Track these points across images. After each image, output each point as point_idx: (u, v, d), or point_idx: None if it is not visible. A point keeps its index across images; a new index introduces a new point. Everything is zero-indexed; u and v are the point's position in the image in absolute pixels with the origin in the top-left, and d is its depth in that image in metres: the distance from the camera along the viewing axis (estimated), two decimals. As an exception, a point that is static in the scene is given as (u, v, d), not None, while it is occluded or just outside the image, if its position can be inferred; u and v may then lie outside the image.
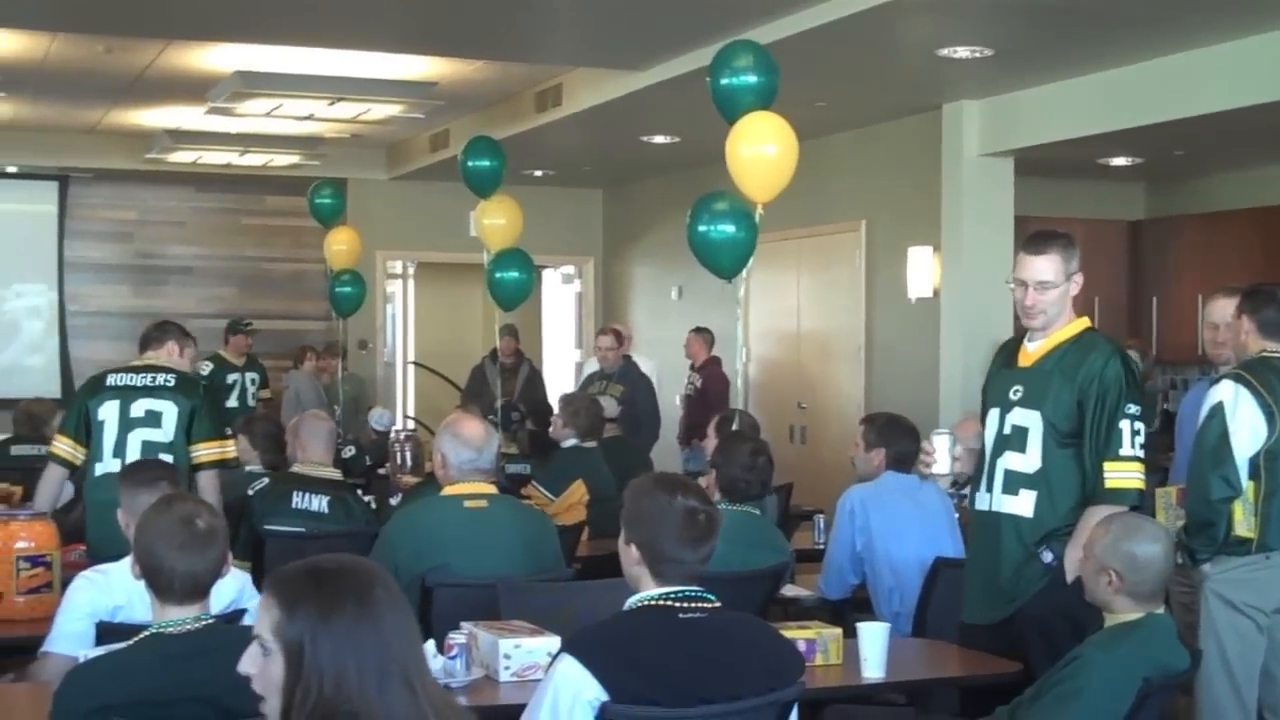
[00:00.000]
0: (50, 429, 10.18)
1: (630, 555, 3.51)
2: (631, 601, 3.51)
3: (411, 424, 13.43)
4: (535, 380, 13.20)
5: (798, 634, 4.46)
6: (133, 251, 15.23)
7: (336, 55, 9.92)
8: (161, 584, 3.38)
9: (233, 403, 11.96)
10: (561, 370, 16.53)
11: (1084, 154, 10.38)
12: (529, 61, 10.44)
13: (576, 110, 11.01)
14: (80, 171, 14.61)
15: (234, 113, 10.89)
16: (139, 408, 6.56)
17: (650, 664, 3.34)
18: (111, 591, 4.41)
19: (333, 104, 10.56)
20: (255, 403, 12.16)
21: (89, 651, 3.82)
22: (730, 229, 6.95)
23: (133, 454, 6.37)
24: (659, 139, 12.11)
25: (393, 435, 9.49)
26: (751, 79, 6.95)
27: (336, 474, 6.35)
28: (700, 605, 3.45)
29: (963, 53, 8.54)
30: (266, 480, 6.43)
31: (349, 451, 11.54)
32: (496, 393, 12.79)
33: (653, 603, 3.46)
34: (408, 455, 8.78)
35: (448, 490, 5.31)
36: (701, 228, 6.99)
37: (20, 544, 5.24)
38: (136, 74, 10.81)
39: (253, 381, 12.42)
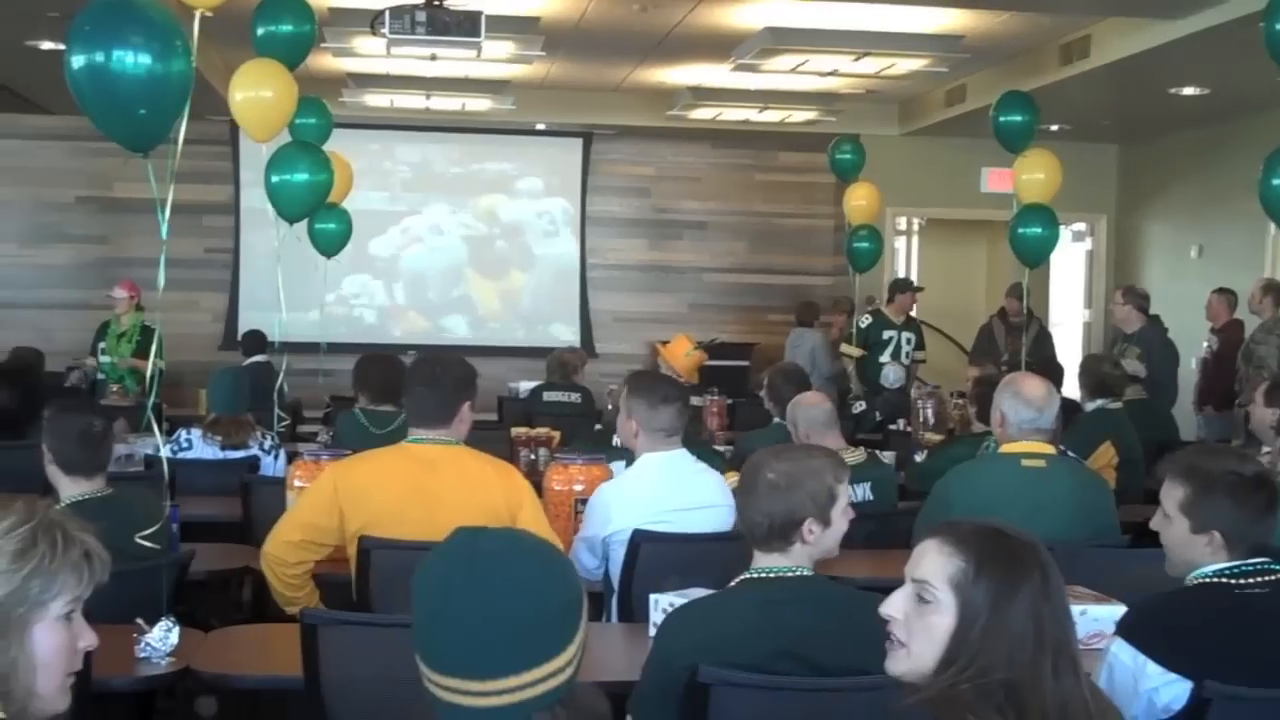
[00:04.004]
0: (580, 376, 10.65)
1: (1180, 531, 3.41)
2: (1192, 576, 3.40)
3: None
4: (1044, 339, 12.92)
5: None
6: (649, 206, 15.72)
7: (861, 9, 9.88)
8: (746, 529, 3.45)
9: (884, 358, 11.86)
10: (1070, 330, 16.13)
11: None
12: (1058, 12, 10.18)
13: (1104, 62, 10.67)
14: (603, 128, 15.16)
15: (759, 69, 11.00)
16: None
17: (1202, 643, 3.23)
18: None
19: (858, 59, 10.55)
20: (910, 362, 12.06)
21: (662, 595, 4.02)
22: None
23: None
24: (1188, 91, 11.62)
25: (915, 393, 9.45)
26: (1315, 19, 6.53)
27: None
28: (1262, 579, 3.31)
29: None
30: None
31: (859, 407, 11.60)
32: (1004, 351, 12.61)
33: (1210, 579, 3.35)
34: (930, 413, 8.76)
35: (1005, 448, 5.25)
36: (1276, 181, 6.60)
37: (578, 486, 5.44)
38: (665, 32, 11.07)
39: (908, 341, 12.03)
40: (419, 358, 4.96)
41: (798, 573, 3.37)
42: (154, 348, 4.68)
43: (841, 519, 3.45)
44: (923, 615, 2.39)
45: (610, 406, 9.80)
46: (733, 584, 3.42)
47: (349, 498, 4.61)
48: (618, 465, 5.66)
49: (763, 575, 3.37)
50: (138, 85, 4.40)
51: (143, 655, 3.89)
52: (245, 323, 13.64)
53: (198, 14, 5.03)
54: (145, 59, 4.43)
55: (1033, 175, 9.47)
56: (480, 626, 2.00)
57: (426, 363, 4.83)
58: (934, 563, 2.39)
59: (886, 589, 2.55)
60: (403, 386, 7.66)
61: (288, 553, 4.62)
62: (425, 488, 4.59)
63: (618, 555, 4.84)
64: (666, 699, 3.24)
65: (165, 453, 6.77)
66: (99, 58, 4.45)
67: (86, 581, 2.28)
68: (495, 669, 2.00)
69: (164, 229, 4.37)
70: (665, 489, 4.96)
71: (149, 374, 4.82)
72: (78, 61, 4.50)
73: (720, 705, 3.19)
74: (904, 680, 2.44)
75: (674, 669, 3.23)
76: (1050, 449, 5.22)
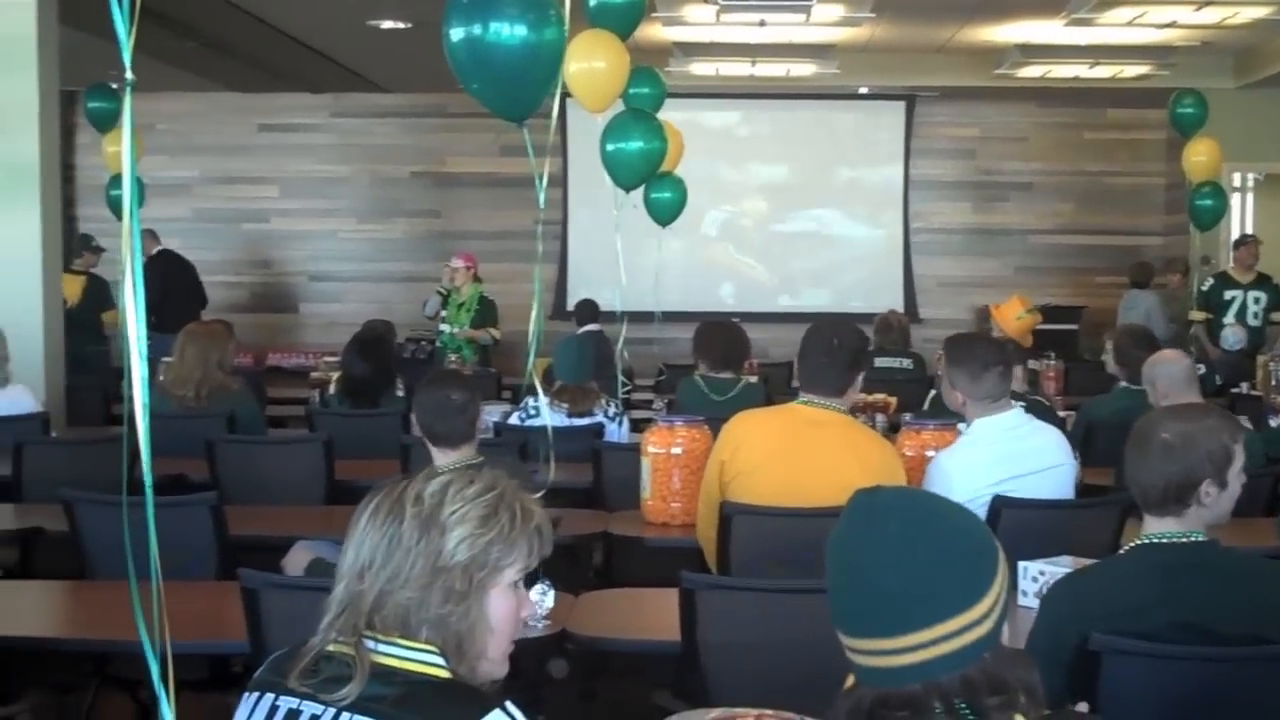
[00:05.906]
0: (911, 342, 10.57)
1: None
2: None
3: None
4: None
5: None
6: (973, 168, 15.49)
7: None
8: (1137, 494, 3.34)
9: (1229, 319, 11.67)
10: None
11: None
12: None
13: None
14: (926, 90, 14.97)
15: (1093, 23, 10.70)
16: None
17: None
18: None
19: (1199, 8, 10.17)
20: (1261, 323, 11.72)
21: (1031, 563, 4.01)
22: None
23: None
24: None
25: (1263, 355, 9.11)
26: None
27: None
28: None
29: None
30: None
31: (1198, 370, 11.24)
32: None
33: None
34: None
35: None
36: None
37: (930, 452, 5.40)
38: (995, -12, 10.90)
39: (1255, 300, 11.76)
40: (816, 325, 4.88)
41: (1193, 538, 3.25)
42: (534, 313, 4.76)
43: (1236, 481, 3.32)
44: None
45: (940, 373, 9.70)
46: (1124, 550, 3.33)
47: (730, 446, 4.75)
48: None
49: (1157, 541, 3.26)
50: (514, 55, 4.51)
51: (519, 617, 3.96)
52: (574, 292, 13.90)
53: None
54: (521, 29, 4.55)
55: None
56: (884, 580, 1.95)
57: (824, 332, 4.79)
58: None
59: None
60: (741, 349, 7.77)
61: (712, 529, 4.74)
62: (807, 442, 4.65)
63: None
64: (1054, 667, 3.17)
65: (516, 419, 6.98)
66: (476, 30, 4.57)
67: (535, 554, 2.35)
68: (906, 623, 1.94)
69: (541, 199, 4.46)
70: (1003, 455, 4.89)
71: (529, 341, 4.90)
72: (456, 34, 4.63)
73: (1112, 674, 3.10)
74: None
75: (1064, 637, 3.16)
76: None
